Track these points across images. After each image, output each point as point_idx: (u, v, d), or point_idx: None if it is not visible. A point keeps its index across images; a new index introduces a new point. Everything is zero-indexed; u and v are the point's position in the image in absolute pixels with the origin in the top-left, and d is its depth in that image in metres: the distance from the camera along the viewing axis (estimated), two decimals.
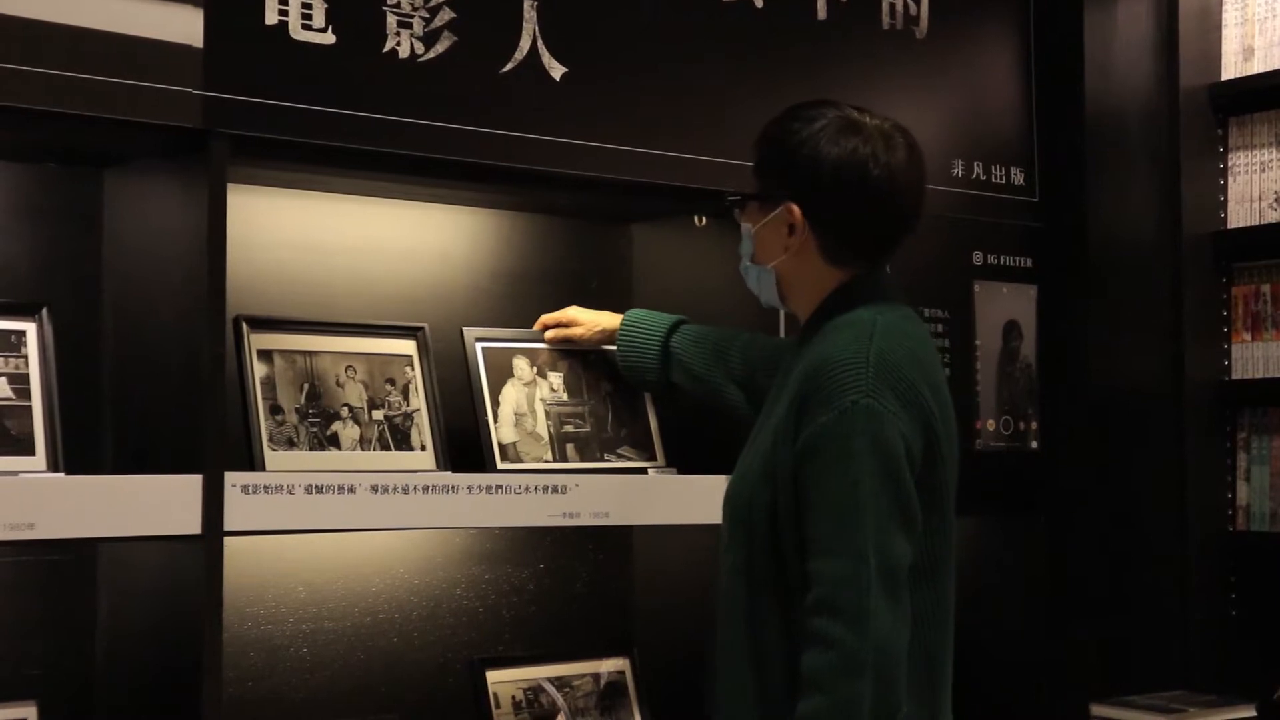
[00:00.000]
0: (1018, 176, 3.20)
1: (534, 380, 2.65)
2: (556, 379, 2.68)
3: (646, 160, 2.61)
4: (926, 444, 2.08)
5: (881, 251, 2.22)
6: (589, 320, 2.69)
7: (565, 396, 2.67)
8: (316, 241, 2.65)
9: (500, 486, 2.41)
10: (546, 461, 2.60)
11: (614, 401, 2.72)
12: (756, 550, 2.11)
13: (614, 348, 2.69)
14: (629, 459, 2.69)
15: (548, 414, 2.64)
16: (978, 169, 3.14)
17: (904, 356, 2.10)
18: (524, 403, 2.62)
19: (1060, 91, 3.25)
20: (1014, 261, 3.18)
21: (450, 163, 2.43)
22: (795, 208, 2.18)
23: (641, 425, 2.73)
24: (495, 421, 2.58)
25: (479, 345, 2.62)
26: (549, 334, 2.68)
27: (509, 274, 2.86)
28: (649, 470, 2.66)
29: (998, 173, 3.17)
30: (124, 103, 2.12)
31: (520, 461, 2.57)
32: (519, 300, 2.83)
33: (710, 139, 2.68)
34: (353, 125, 2.32)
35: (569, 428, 2.66)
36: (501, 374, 2.62)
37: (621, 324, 2.66)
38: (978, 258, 3.14)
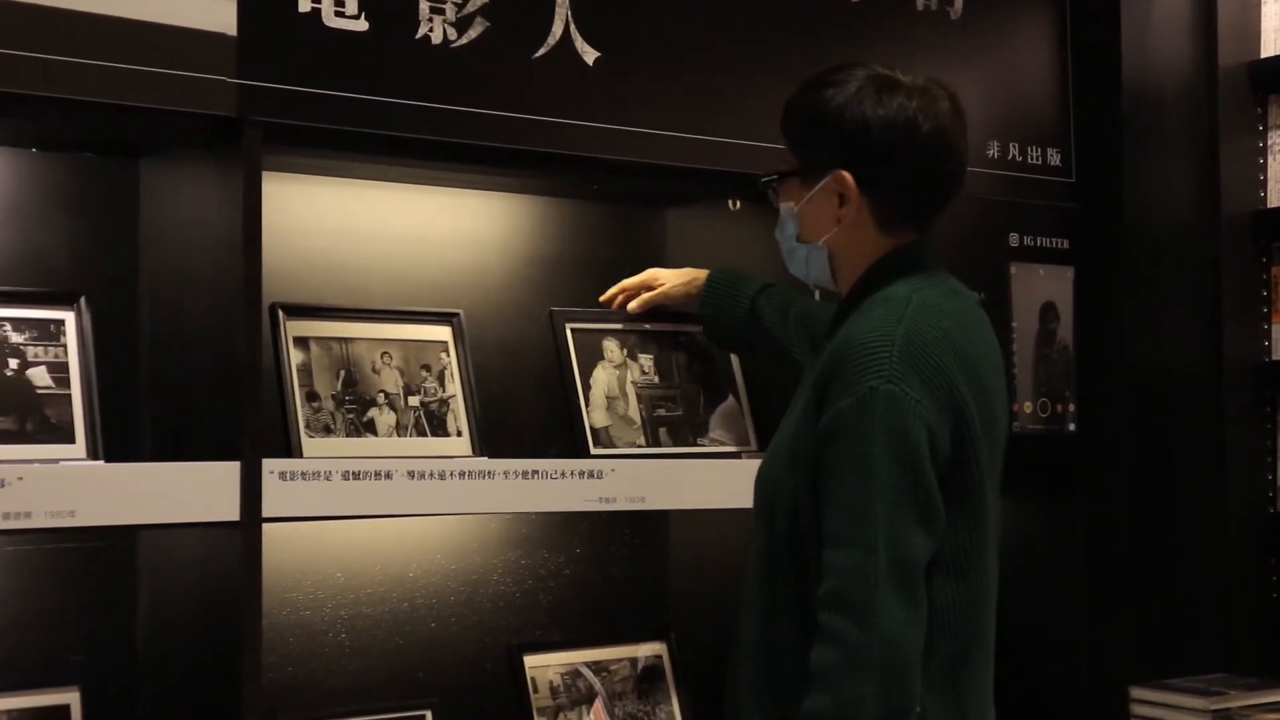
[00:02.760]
0: (1054, 157, 3.18)
1: (624, 363, 2.65)
2: (647, 361, 2.68)
3: (680, 144, 2.61)
4: (957, 433, 1.99)
5: (934, 212, 2.14)
6: (672, 275, 2.67)
7: (656, 379, 2.67)
8: (351, 228, 2.65)
9: (537, 471, 2.42)
10: (640, 446, 2.61)
11: (705, 384, 2.71)
12: (778, 537, 2.05)
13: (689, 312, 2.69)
14: (722, 443, 2.68)
15: (639, 397, 2.64)
16: (1014, 150, 3.12)
17: (936, 338, 2.00)
18: (615, 386, 2.62)
19: (1097, 71, 3.23)
20: (1050, 243, 3.16)
21: (483, 148, 2.43)
22: (846, 175, 2.08)
23: (733, 409, 2.73)
24: (587, 405, 2.59)
25: (569, 327, 2.62)
26: (635, 302, 2.66)
27: (543, 259, 2.86)
28: (742, 455, 2.66)
29: (1034, 154, 3.15)
30: (159, 92, 2.12)
31: (613, 446, 2.58)
32: (554, 285, 2.83)
33: (744, 122, 2.67)
34: (386, 112, 2.32)
35: (661, 411, 2.66)
36: (592, 357, 2.62)
37: (709, 278, 2.63)
38: (1014, 239, 3.12)
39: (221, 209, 2.22)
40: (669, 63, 2.62)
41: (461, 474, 2.35)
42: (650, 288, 2.68)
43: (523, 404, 2.78)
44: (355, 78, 2.29)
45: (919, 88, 2.09)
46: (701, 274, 2.65)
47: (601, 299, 2.70)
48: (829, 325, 2.17)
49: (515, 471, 2.40)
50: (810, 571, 1.98)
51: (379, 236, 2.68)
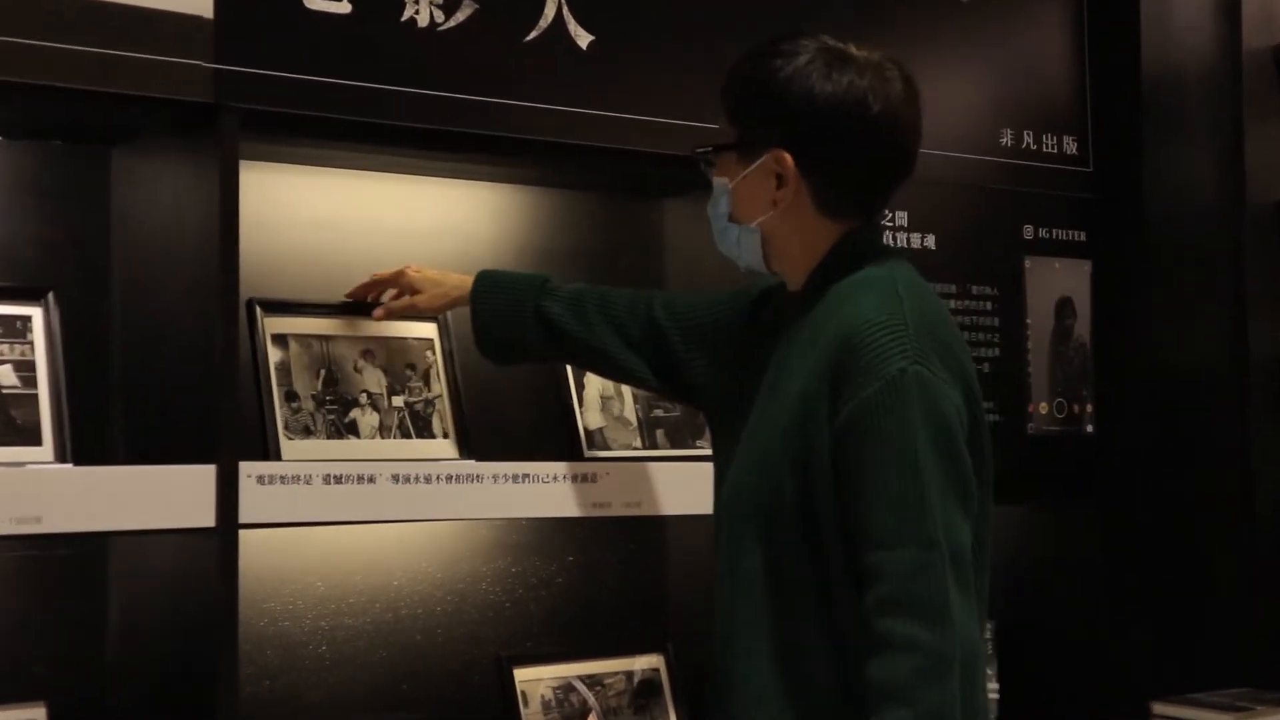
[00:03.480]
0: (1070, 145, 3.19)
1: None
2: None
3: (677, 132, 2.61)
4: (969, 415, 1.97)
5: (881, 199, 2.08)
6: (429, 282, 2.45)
7: None
8: (333, 220, 2.66)
9: (528, 475, 2.42)
10: (636, 449, 2.61)
11: None
12: (784, 549, 1.96)
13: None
14: None
15: (635, 397, 2.64)
16: (1028, 138, 3.13)
17: (937, 318, 1.99)
18: (610, 385, 2.63)
19: (1115, 54, 3.24)
20: (1067, 235, 3.17)
21: (472, 136, 2.44)
22: (786, 155, 2.01)
23: None
24: (581, 406, 2.59)
25: None
26: (379, 311, 2.46)
27: (536, 251, 2.87)
28: None
29: (1049, 141, 3.16)
30: (132, 77, 2.13)
31: (608, 449, 2.59)
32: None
33: None
34: (370, 98, 2.32)
35: (658, 411, 2.66)
36: None
37: (475, 287, 2.40)
38: (1028, 232, 3.13)
39: (197, 200, 2.23)
40: (666, 47, 2.63)
41: (448, 477, 2.36)
42: (409, 285, 2.47)
43: (513, 404, 2.79)
44: (337, 62, 2.30)
45: (872, 64, 2.02)
46: (457, 279, 2.45)
47: (349, 294, 2.51)
48: (790, 313, 2.08)
49: (505, 475, 2.41)
50: (833, 577, 1.93)
51: (363, 229, 2.68)
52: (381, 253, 2.69)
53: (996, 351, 3.06)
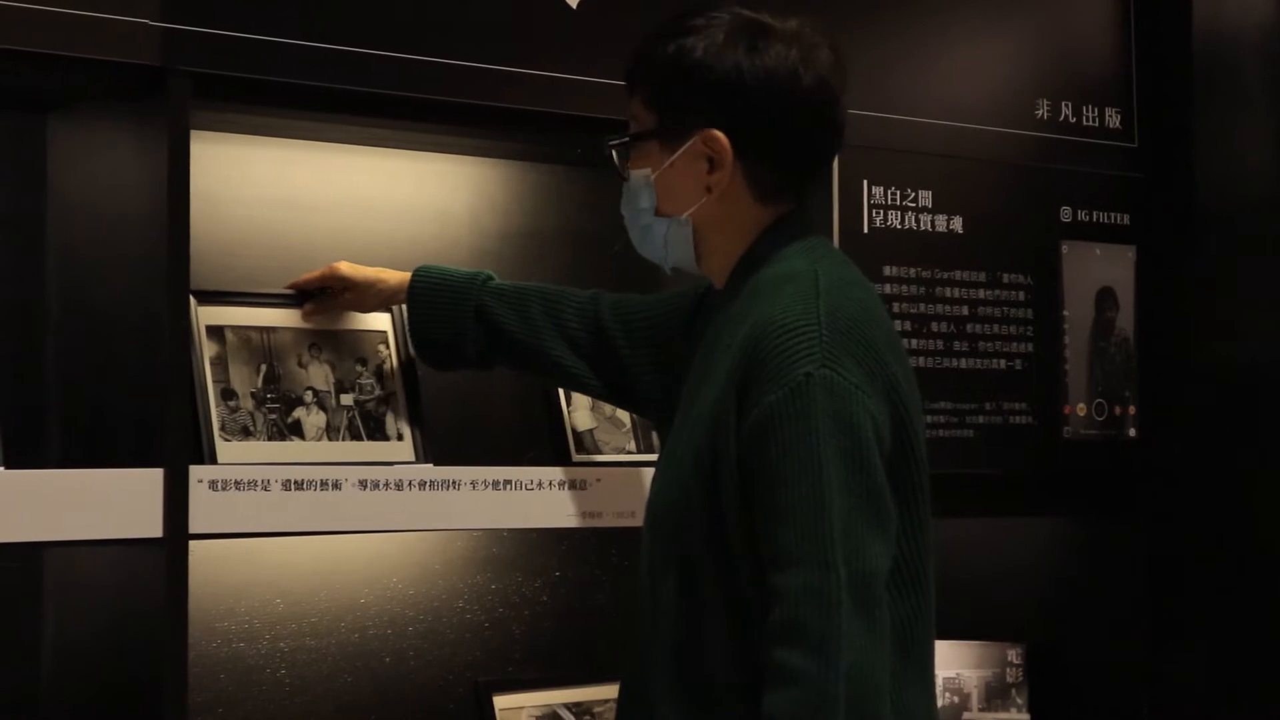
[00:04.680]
0: (1113, 118, 3.19)
1: None
2: None
3: None
4: (895, 421, 1.97)
5: (815, 177, 2.13)
6: (363, 280, 2.44)
7: None
8: (292, 197, 2.66)
9: (509, 481, 2.42)
10: (630, 452, 2.61)
11: None
12: (696, 569, 1.98)
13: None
14: None
15: None
16: (1066, 110, 3.13)
17: (858, 313, 1.99)
18: None
19: (1163, 17, 3.23)
20: (1108, 218, 3.17)
21: (449, 104, 2.43)
22: (719, 135, 2.05)
23: None
24: (569, 406, 2.59)
25: None
26: (308, 308, 2.44)
27: (520, 233, 2.87)
28: None
29: (1090, 114, 3.16)
30: (69, 36, 2.12)
31: (599, 452, 2.59)
32: (532, 264, 2.84)
33: None
34: (334, 61, 2.32)
35: None
36: None
37: (412, 285, 2.42)
38: (1066, 214, 3.13)
39: (143, 174, 2.22)
40: (661, 8, 2.62)
41: (422, 484, 2.36)
42: (343, 284, 2.45)
43: (492, 403, 2.80)
44: (298, 22, 2.29)
45: (793, 33, 2.07)
46: (393, 275, 2.45)
47: (288, 286, 2.46)
48: (709, 312, 2.15)
49: (484, 481, 2.40)
50: (745, 603, 1.95)
51: (326, 207, 2.68)
52: (346, 233, 2.70)
53: (1030, 346, 3.06)
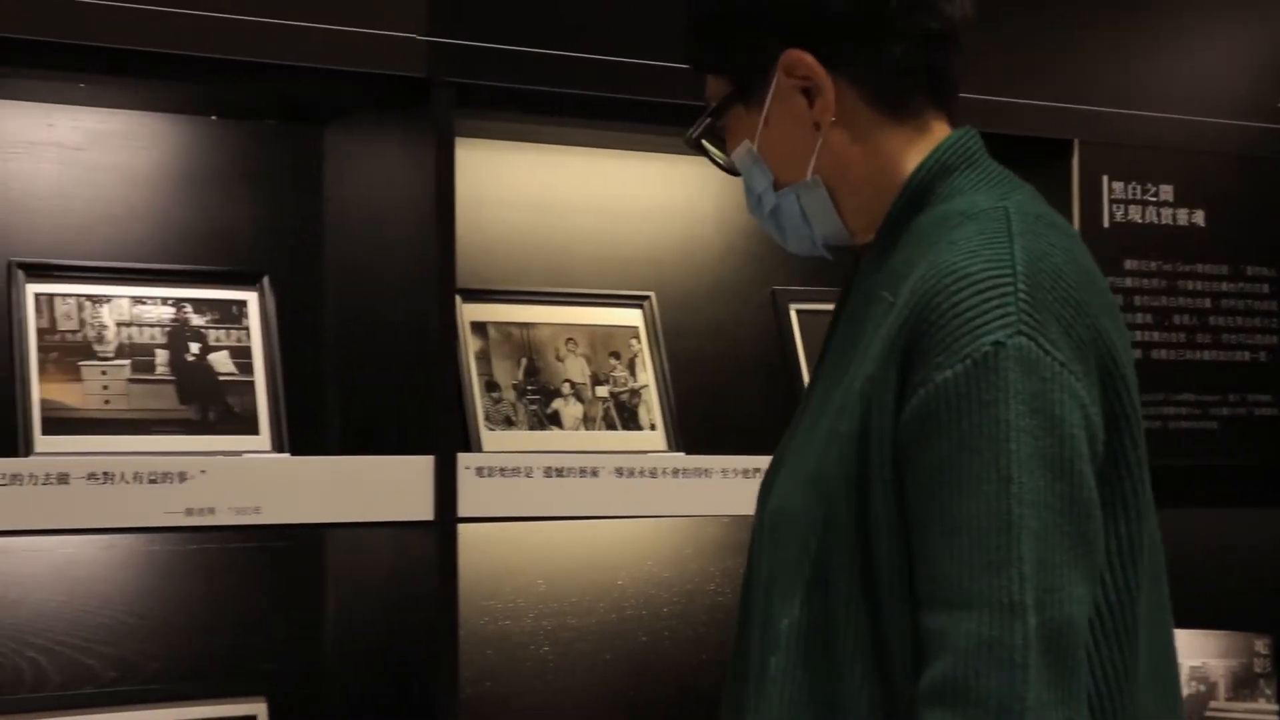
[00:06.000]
0: None
1: None
2: None
3: (1000, 108, 2.65)
4: (1111, 414, 1.47)
5: (947, 69, 1.62)
6: None
7: None
8: (549, 199, 2.73)
9: (759, 470, 2.44)
10: None
11: None
12: (832, 595, 1.49)
13: None
14: None
15: None
16: None
17: (1066, 265, 1.49)
18: None
19: None
20: None
21: (698, 109, 2.47)
22: (798, 54, 1.58)
23: None
24: None
25: (793, 309, 2.66)
26: None
27: (764, 232, 2.89)
28: None
29: None
30: (344, 52, 2.23)
31: None
32: (779, 263, 2.84)
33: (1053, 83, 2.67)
34: (590, 69, 2.38)
35: None
36: (820, 342, 2.65)
37: None
38: None
39: (410, 179, 2.32)
40: None
41: (675, 472, 2.42)
42: None
43: (739, 396, 2.83)
44: (555, 33, 2.37)
45: None
46: None
47: None
48: (861, 271, 1.64)
49: (734, 470, 2.45)
50: (893, 644, 1.47)
51: (579, 209, 2.75)
52: (600, 234, 2.76)
53: (1274, 339, 3.02)
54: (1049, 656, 1.37)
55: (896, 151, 1.61)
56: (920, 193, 1.58)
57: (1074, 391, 1.43)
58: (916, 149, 1.61)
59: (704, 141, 1.71)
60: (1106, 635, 1.48)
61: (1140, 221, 2.92)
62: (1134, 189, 2.92)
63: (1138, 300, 2.89)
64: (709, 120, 1.68)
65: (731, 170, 1.72)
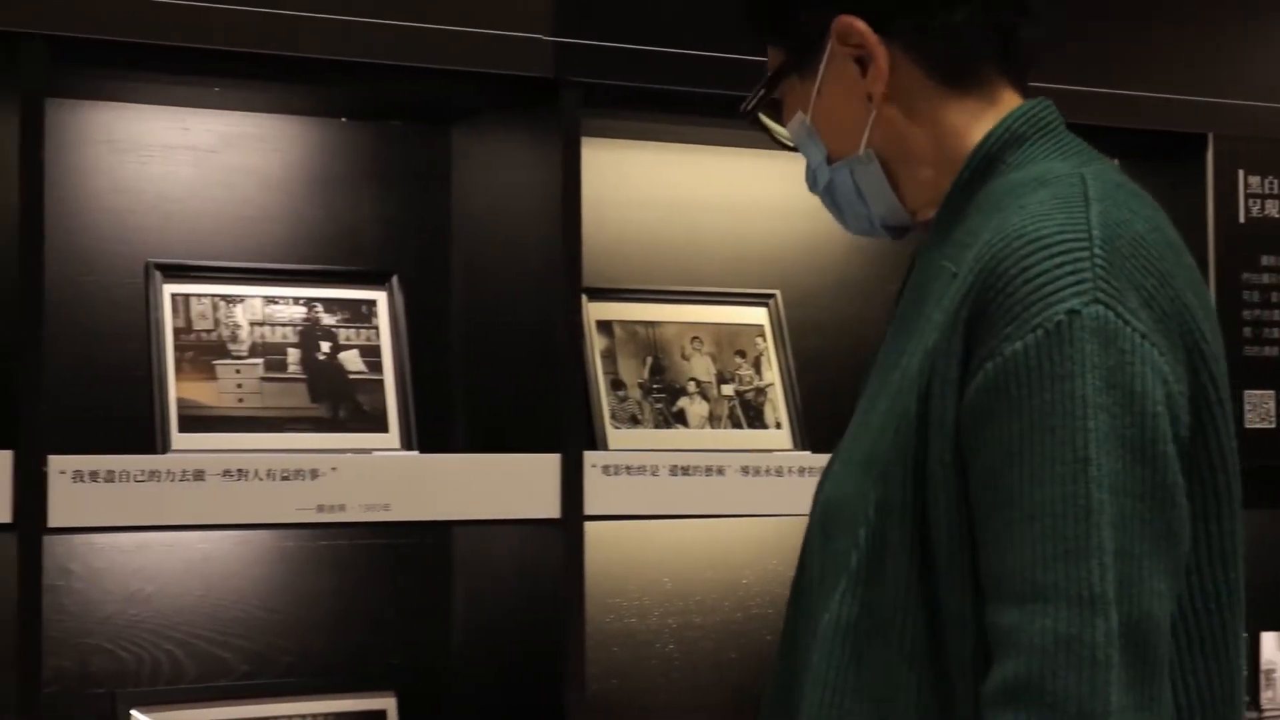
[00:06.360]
0: None
1: None
2: None
3: (1121, 101, 2.63)
4: (1197, 394, 1.35)
5: (1017, 36, 1.51)
6: None
7: None
8: (673, 198, 2.75)
9: None
10: None
11: None
12: (884, 589, 1.38)
13: None
14: None
15: None
16: None
17: (1149, 232, 1.37)
18: None
19: None
20: None
21: None
22: (848, 20, 1.48)
23: None
24: None
25: None
26: None
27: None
28: None
29: None
30: (471, 53, 2.25)
31: None
32: (901, 260, 2.83)
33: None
34: (712, 67, 2.39)
35: None
36: None
37: None
38: None
39: (537, 180, 2.35)
40: None
41: (800, 470, 2.42)
42: None
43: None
44: (681, 31, 2.38)
45: None
46: None
47: None
48: (924, 246, 1.53)
49: None
50: (953, 644, 1.36)
51: (703, 206, 2.76)
52: (725, 232, 2.77)
53: None
54: (1130, 655, 1.26)
55: (960, 125, 1.50)
56: (988, 162, 1.47)
57: (1156, 366, 1.31)
58: (983, 122, 1.49)
59: (763, 116, 1.63)
60: (1192, 643, 1.36)
61: (1277, 216, 2.87)
62: (1271, 183, 2.87)
63: (1274, 297, 2.84)
64: (763, 92, 1.59)
65: (791, 146, 1.63)
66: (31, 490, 1.99)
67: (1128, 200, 1.40)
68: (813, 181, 1.61)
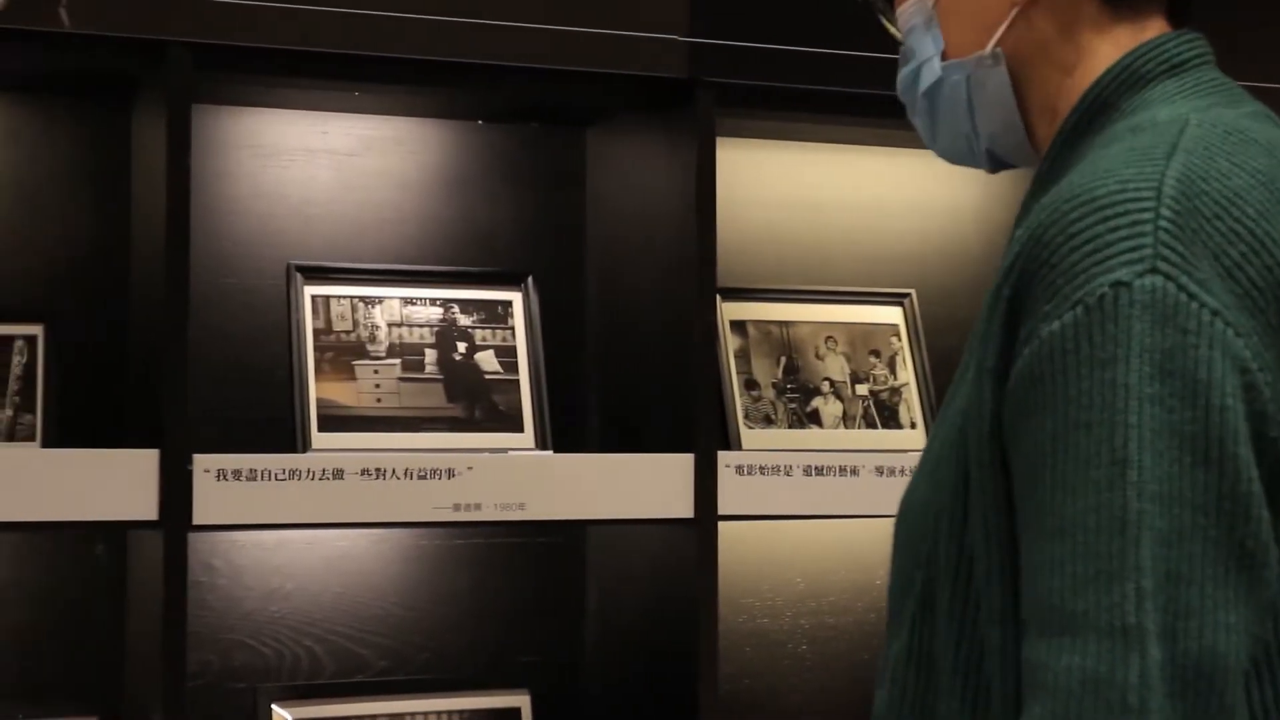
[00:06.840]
0: None
1: None
2: None
3: None
4: None
5: None
6: None
7: None
8: (807, 197, 2.74)
9: None
10: None
11: None
12: (935, 615, 1.21)
13: None
14: None
15: None
16: None
17: (1248, 187, 1.14)
18: None
19: None
20: None
21: None
22: None
23: None
24: None
25: None
26: None
27: None
28: None
29: None
30: (606, 54, 2.27)
31: None
32: None
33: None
34: (846, 66, 2.38)
35: None
36: None
37: None
38: None
39: (671, 180, 2.36)
40: None
41: None
42: None
43: None
44: (815, 30, 2.37)
45: None
46: None
47: None
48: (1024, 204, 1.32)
49: None
50: (994, 666, 1.17)
51: (836, 205, 2.76)
52: (858, 232, 2.76)
53: None
54: (1181, 702, 1.03)
55: (1102, 55, 1.28)
56: (1098, 108, 1.26)
57: (1230, 349, 1.08)
58: (1119, 51, 1.28)
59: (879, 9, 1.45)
60: (1276, 702, 1.11)
61: None
62: None
63: None
64: None
65: (895, 35, 1.42)
66: (177, 489, 2.03)
67: (1236, 150, 1.16)
68: (911, 81, 1.39)
